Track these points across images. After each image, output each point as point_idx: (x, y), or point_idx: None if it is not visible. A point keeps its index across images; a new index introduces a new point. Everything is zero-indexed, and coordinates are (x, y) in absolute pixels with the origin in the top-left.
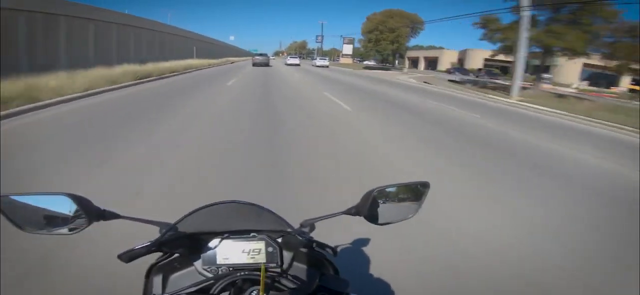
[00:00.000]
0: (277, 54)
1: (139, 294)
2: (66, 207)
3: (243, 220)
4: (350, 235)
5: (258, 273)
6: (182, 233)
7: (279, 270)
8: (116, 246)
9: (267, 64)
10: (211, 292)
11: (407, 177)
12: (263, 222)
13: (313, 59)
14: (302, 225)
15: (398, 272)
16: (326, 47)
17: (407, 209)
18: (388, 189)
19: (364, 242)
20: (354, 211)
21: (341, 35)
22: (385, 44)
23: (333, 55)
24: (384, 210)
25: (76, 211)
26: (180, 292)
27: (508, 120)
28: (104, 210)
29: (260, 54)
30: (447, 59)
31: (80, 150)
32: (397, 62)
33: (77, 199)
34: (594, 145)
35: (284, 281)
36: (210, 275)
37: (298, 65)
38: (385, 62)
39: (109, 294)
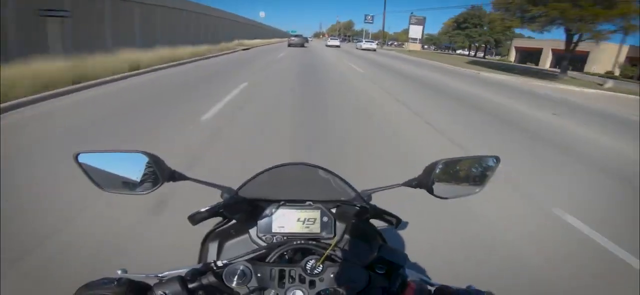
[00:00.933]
0: (316, 35)
1: (193, 260)
2: (140, 165)
3: (302, 183)
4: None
5: (314, 243)
6: (242, 198)
7: (335, 241)
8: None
9: (302, 45)
10: (266, 260)
11: None
12: (323, 185)
13: (358, 42)
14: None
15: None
16: (376, 28)
17: (473, 184)
18: (453, 162)
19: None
20: (415, 183)
21: (412, 12)
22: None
23: (381, 38)
24: (448, 184)
25: (149, 170)
26: (235, 260)
27: None
28: (174, 171)
29: (296, 36)
30: (609, 54)
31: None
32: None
33: (153, 157)
34: None
35: (339, 252)
36: (264, 243)
37: (338, 46)
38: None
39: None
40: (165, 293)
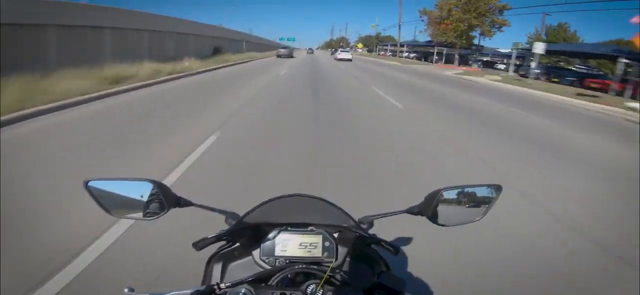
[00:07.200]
0: (328, 46)
1: (197, 281)
2: (147, 193)
3: (304, 212)
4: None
5: (315, 267)
6: (247, 224)
7: (335, 265)
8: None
9: (290, 56)
10: (268, 283)
11: None
12: (324, 215)
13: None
14: (360, 222)
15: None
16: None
17: (474, 211)
18: (454, 190)
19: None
20: (416, 210)
21: None
22: None
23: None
24: (449, 211)
25: (155, 197)
26: (238, 283)
27: None
28: (180, 197)
29: (284, 47)
30: None
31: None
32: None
33: (159, 185)
34: None
35: (339, 277)
36: (267, 266)
37: (350, 60)
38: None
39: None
40: None
